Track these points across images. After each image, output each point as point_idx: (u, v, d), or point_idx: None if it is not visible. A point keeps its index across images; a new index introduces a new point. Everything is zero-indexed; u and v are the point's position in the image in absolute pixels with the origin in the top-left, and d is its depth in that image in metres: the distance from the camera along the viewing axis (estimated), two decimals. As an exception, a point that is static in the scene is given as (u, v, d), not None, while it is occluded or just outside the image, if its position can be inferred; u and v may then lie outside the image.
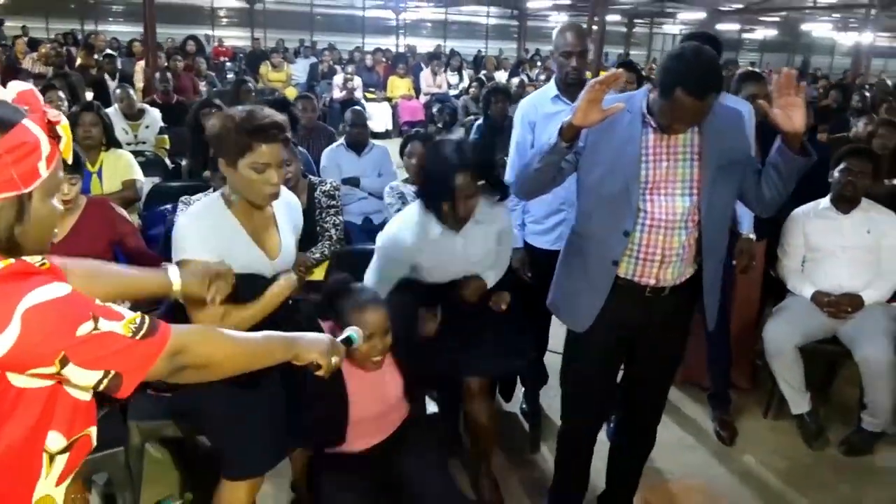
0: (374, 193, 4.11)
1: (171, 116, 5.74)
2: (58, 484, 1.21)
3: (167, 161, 5.06)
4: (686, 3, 18.10)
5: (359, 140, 4.42)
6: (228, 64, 13.33)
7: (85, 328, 1.07)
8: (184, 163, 4.83)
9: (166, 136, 5.33)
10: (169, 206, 3.43)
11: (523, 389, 3.14)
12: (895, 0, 13.47)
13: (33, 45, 11.57)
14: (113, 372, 1.11)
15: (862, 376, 2.95)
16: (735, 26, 22.46)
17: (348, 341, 1.62)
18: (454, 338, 2.47)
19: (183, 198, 3.03)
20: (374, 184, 4.20)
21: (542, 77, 11.51)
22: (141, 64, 9.03)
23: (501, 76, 12.37)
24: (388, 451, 2.18)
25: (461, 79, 12.25)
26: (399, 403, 2.21)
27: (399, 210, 2.93)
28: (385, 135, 9.71)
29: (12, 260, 1.08)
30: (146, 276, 1.60)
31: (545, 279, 2.35)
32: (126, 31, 15.22)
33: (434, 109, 10.92)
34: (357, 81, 10.59)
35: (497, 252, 2.56)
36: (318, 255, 3.03)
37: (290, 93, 8.74)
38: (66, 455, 1.20)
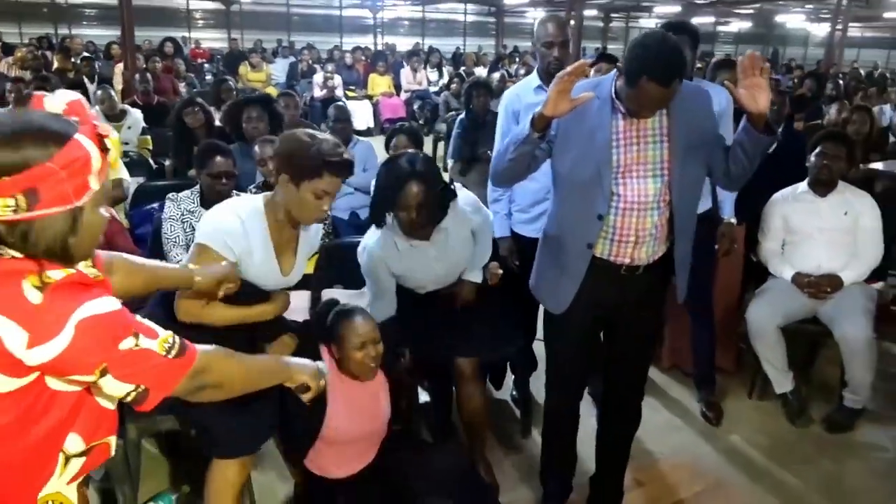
0: (360, 188, 4.12)
1: (152, 117, 5.72)
2: (69, 483, 1.24)
3: (150, 161, 5.06)
4: (661, -3, 18.28)
5: (342, 135, 4.43)
6: (206, 65, 13.25)
7: (127, 343, 1.13)
8: (167, 163, 4.84)
9: (149, 137, 5.32)
10: (155, 205, 3.44)
11: (513, 377, 3.18)
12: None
13: (7, 49, 11.44)
14: (143, 387, 1.17)
15: (842, 354, 3.02)
16: (710, 19, 22.69)
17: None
18: (445, 323, 2.53)
19: (170, 195, 3.04)
20: (359, 179, 4.19)
21: (522, 72, 11.55)
22: (120, 66, 8.98)
23: (481, 72, 12.40)
24: (376, 471, 2.22)
25: (441, 75, 12.28)
26: (383, 427, 2.26)
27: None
28: (367, 132, 9.69)
29: (73, 270, 1.12)
30: (172, 271, 1.82)
31: (532, 267, 2.39)
32: (100, 34, 15.04)
33: (415, 106, 11.01)
34: (337, 80, 10.60)
35: (475, 252, 2.62)
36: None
37: (271, 92, 8.70)
38: (83, 459, 1.24)
